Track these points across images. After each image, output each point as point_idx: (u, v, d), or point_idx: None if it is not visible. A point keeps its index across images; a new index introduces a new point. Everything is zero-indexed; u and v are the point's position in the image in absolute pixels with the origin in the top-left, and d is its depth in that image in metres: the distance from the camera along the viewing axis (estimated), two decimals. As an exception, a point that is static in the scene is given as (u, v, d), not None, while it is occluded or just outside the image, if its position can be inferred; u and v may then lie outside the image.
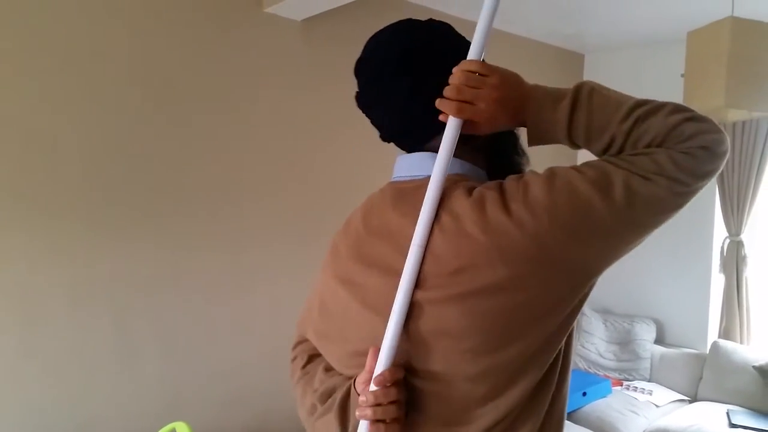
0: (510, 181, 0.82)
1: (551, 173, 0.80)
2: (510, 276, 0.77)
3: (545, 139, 0.86)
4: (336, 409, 0.88)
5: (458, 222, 0.80)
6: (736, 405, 3.21)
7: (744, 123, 3.47)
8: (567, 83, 0.85)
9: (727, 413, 3.09)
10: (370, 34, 0.99)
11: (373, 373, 0.81)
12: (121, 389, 2.38)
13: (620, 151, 0.80)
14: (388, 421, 0.80)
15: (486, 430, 0.81)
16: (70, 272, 2.23)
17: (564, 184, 0.77)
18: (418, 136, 0.92)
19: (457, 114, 0.83)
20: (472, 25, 0.87)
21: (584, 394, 3.26)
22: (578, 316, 0.85)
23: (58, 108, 2.18)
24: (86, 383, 2.29)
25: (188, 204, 2.52)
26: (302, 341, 1.09)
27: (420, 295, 0.81)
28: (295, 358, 1.07)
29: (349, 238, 0.96)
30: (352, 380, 0.88)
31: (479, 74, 0.84)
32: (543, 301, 0.79)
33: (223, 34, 2.57)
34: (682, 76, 2.58)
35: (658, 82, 3.83)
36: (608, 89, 0.83)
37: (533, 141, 0.87)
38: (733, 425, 2.97)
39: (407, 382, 0.83)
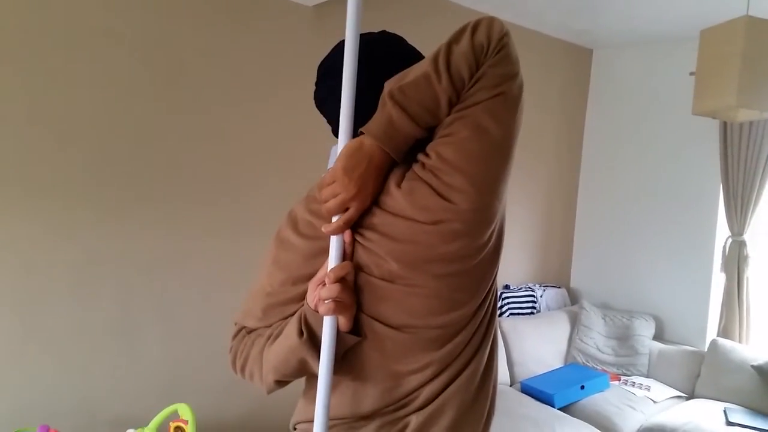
0: (419, 170, 0.87)
1: (438, 155, 0.86)
2: (466, 243, 0.86)
3: (407, 146, 0.90)
4: (295, 319, 0.94)
5: (398, 208, 0.87)
6: (733, 403, 3.23)
7: (751, 123, 3.46)
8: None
9: (724, 411, 3.11)
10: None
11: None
12: (122, 370, 2.41)
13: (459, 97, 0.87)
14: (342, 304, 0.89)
15: (437, 371, 0.91)
16: (74, 253, 2.25)
17: (455, 153, 0.85)
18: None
19: (336, 313, 0.89)
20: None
21: (582, 387, 3.28)
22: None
23: (66, 91, 2.18)
24: (88, 363, 2.32)
25: (193, 188, 2.53)
26: (240, 329, 1.11)
27: (387, 264, 0.88)
28: (231, 348, 1.10)
29: (301, 228, 0.99)
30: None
31: (334, 193, 0.88)
32: (496, 246, 0.92)
33: (233, 18, 2.56)
34: (691, 74, 2.57)
35: (667, 79, 3.82)
36: (404, 75, 0.88)
37: (400, 156, 0.89)
38: (730, 423, 2.98)
39: (370, 326, 0.91)
